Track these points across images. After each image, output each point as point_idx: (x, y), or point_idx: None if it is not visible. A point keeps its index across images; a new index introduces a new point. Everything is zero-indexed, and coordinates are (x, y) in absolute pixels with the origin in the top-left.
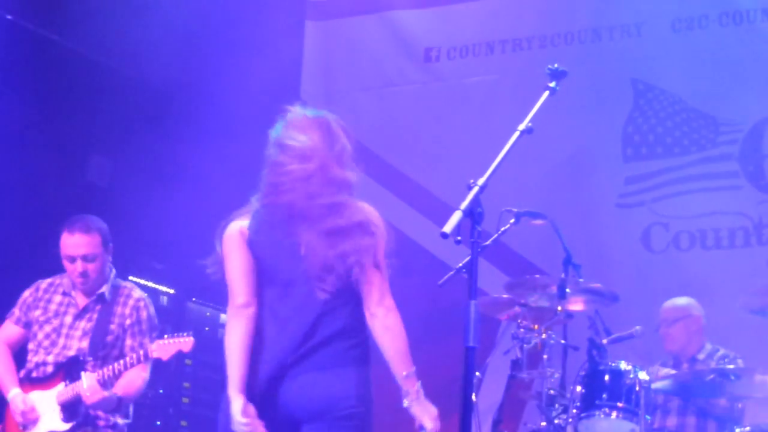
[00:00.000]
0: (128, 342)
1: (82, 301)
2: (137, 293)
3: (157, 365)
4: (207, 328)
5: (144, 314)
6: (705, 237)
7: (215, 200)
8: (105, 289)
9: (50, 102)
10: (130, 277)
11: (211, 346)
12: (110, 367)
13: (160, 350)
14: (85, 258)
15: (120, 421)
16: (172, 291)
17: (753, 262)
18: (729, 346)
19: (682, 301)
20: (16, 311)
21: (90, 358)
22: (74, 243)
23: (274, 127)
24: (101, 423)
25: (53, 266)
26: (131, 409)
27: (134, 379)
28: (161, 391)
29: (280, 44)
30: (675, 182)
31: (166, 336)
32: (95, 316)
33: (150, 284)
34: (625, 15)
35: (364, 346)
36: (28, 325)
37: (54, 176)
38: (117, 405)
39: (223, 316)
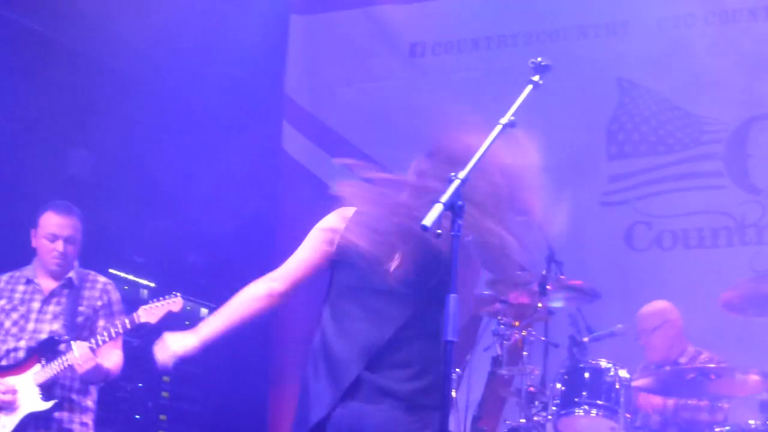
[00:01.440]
0: (101, 323)
1: (47, 286)
2: (103, 278)
3: (137, 358)
4: (187, 322)
5: (114, 296)
6: (688, 236)
7: (196, 195)
8: (72, 274)
9: (32, 94)
10: (111, 270)
11: None
12: (98, 336)
13: (148, 314)
14: (67, 239)
15: (90, 403)
16: (152, 284)
17: (736, 262)
18: (710, 346)
19: (657, 305)
20: None
21: (66, 337)
22: (59, 223)
23: None
24: (75, 404)
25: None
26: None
27: (112, 354)
28: (140, 384)
29: (264, 38)
30: (659, 181)
31: (151, 300)
32: (63, 300)
33: (130, 277)
34: (611, 13)
35: None
36: None
37: (35, 169)
38: (105, 377)
39: (203, 311)
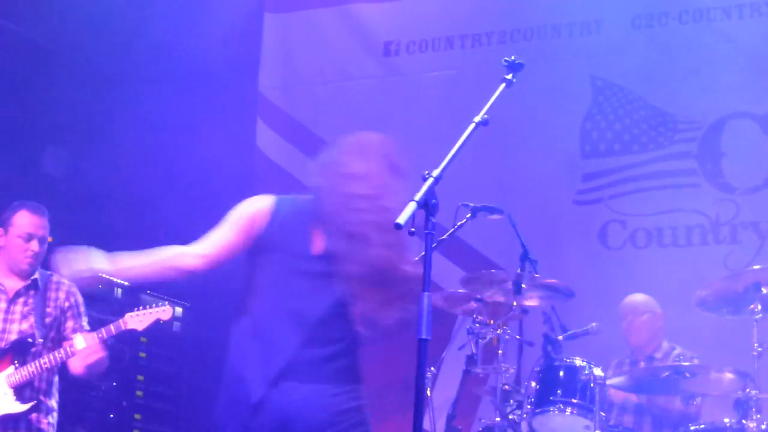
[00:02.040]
0: (69, 324)
1: (12, 285)
2: (66, 280)
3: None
4: (161, 321)
5: (80, 299)
6: (662, 234)
7: (170, 192)
8: (37, 275)
9: (6, 91)
10: None
11: (165, 339)
12: (102, 329)
13: (134, 321)
14: (41, 240)
15: (54, 404)
16: (126, 283)
17: (710, 260)
18: (685, 344)
19: (645, 297)
20: None
21: (41, 339)
22: (35, 223)
23: None
24: (43, 405)
25: None
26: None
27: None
28: (115, 383)
29: (238, 36)
30: (633, 179)
31: (139, 307)
32: (30, 300)
33: (104, 276)
34: (585, 12)
35: None
36: None
37: (10, 166)
38: (102, 372)
39: (178, 309)
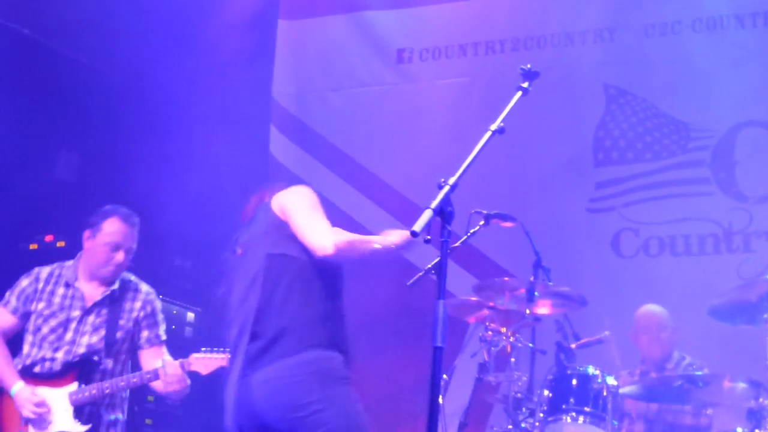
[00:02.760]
0: (144, 333)
1: (90, 293)
2: (144, 287)
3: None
4: (174, 326)
5: (157, 305)
6: (675, 243)
7: (183, 197)
8: (117, 285)
9: (19, 98)
10: None
11: (177, 343)
12: (185, 361)
13: (199, 364)
14: (128, 251)
15: (117, 416)
16: None
17: (722, 269)
18: (697, 353)
19: (657, 309)
20: (13, 300)
21: (108, 360)
22: (126, 233)
23: None
24: (102, 421)
25: (21, 258)
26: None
27: None
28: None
29: (252, 43)
30: (646, 188)
31: (203, 349)
32: (104, 311)
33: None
34: (598, 19)
35: None
36: (25, 316)
37: (22, 172)
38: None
39: (189, 315)
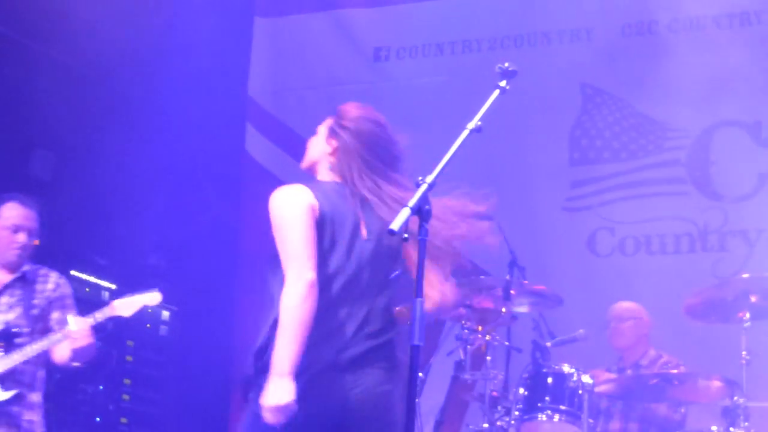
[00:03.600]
0: (55, 315)
1: (1, 278)
2: (55, 273)
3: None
4: (148, 325)
5: (66, 290)
6: (650, 242)
7: (159, 196)
8: (27, 267)
9: None
10: (72, 272)
11: (152, 343)
12: (92, 315)
13: (123, 307)
14: (29, 232)
15: (38, 398)
16: (113, 287)
17: (697, 268)
18: (673, 352)
19: (631, 303)
20: None
21: (26, 329)
22: (24, 215)
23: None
24: (26, 400)
25: None
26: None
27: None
28: (101, 387)
29: (228, 40)
30: (621, 187)
31: (127, 294)
32: (17, 292)
33: (92, 279)
34: (575, 19)
35: None
36: None
37: None
38: (90, 358)
39: (165, 313)
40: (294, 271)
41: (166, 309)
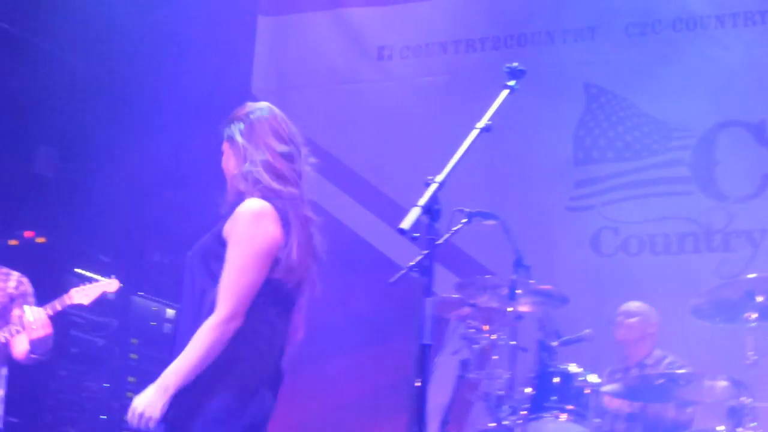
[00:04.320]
0: (16, 312)
1: None
2: (16, 273)
3: (103, 359)
4: (153, 323)
5: (29, 289)
6: (654, 242)
7: (163, 194)
8: None
9: None
10: (76, 269)
11: (156, 340)
12: (48, 305)
13: (80, 295)
14: None
15: (0, 392)
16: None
17: (702, 268)
18: (677, 352)
19: (641, 303)
20: None
21: None
22: None
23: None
24: None
25: (5, 258)
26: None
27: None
28: (106, 385)
29: (232, 39)
30: (625, 186)
31: (85, 282)
32: None
33: (96, 277)
34: (579, 18)
35: None
36: None
37: (1, 167)
38: (48, 350)
39: (169, 311)
40: (233, 307)
41: (170, 307)
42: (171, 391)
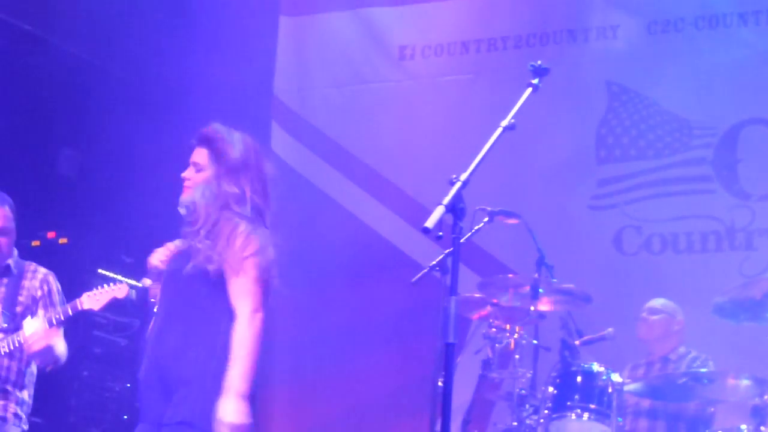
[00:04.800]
0: (41, 313)
1: None
2: (43, 269)
3: (125, 359)
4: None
5: (54, 287)
6: (677, 240)
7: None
8: (11, 262)
9: (20, 94)
10: (100, 270)
11: None
12: (52, 314)
13: (91, 301)
14: (2, 231)
15: (25, 396)
16: (140, 284)
17: (725, 267)
18: (701, 350)
19: (666, 301)
20: None
21: (5, 324)
22: None
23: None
24: (10, 394)
25: (22, 256)
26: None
27: (58, 342)
28: (128, 385)
29: (253, 39)
30: (648, 185)
31: (96, 287)
32: (2, 288)
33: (119, 277)
34: (601, 17)
35: None
36: None
37: (24, 168)
38: (54, 361)
39: None
40: (254, 305)
41: None
42: (246, 395)
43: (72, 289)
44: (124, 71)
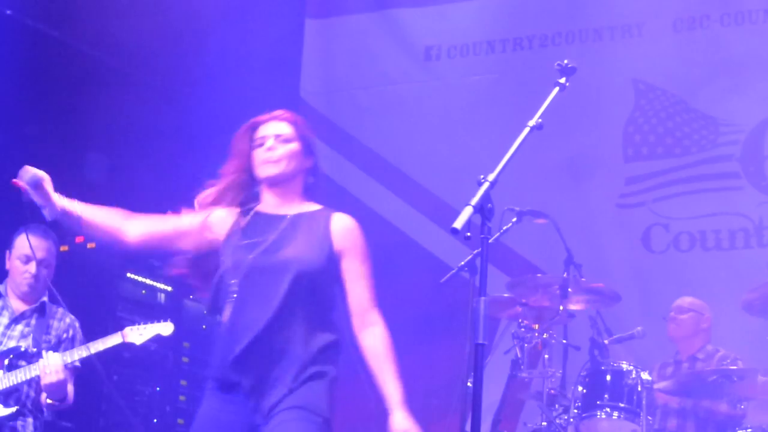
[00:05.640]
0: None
1: (17, 306)
2: (70, 314)
3: (155, 363)
4: (204, 326)
5: (78, 335)
6: (705, 238)
7: None
8: (45, 299)
9: (48, 98)
10: (128, 274)
11: (207, 343)
12: (76, 349)
13: (134, 336)
14: (41, 262)
15: (36, 422)
16: (169, 288)
17: (753, 264)
18: (730, 348)
19: (693, 298)
20: None
21: (34, 349)
22: (35, 245)
23: None
24: (30, 418)
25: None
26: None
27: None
28: (158, 388)
29: (279, 43)
30: (675, 183)
31: (140, 323)
32: (33, 322)
33: (148, 281)
34: (626, 15)
35: None
36: None
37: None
38: (63, 397)
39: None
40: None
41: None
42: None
43: (101, 293)
44: (151, 76)
